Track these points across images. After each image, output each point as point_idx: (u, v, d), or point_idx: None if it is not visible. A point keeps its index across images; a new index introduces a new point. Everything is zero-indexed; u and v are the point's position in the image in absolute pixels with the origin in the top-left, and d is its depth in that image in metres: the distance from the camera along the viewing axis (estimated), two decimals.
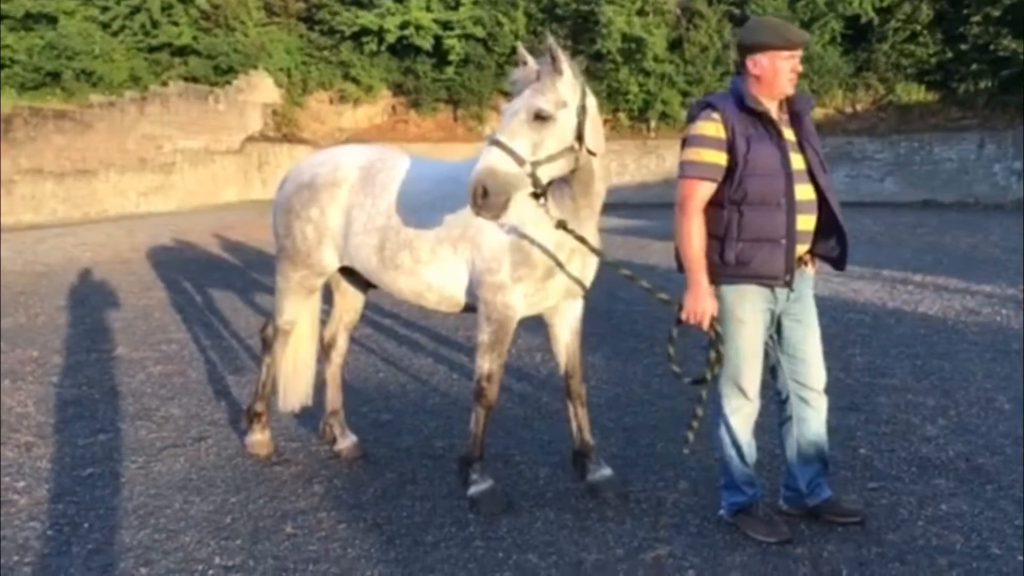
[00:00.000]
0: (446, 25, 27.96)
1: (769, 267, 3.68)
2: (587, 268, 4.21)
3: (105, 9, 28.10)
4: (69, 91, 26.60)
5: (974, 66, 23.64)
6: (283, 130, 28.71)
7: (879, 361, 6.86)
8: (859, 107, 26.40)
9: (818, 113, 23.89)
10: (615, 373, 6.62)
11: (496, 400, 4.27)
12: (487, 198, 3.54)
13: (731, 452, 3.93)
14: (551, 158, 3.67)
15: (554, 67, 3.69)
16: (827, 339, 7.41)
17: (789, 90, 3.73)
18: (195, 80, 27.88)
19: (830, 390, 4.03)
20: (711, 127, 3.68)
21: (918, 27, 24.83)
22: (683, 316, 3.72)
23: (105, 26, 28.03)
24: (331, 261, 4.68)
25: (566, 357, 4.41)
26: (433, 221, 4.24)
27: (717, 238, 3.71)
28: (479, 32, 28.30)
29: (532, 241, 4.01)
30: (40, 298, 10.28)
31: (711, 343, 3.76)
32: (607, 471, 4.39)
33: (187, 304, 9.89)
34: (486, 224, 4.01)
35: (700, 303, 3.67)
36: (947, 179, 23.47)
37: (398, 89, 29.83)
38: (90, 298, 10.38)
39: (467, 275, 4.22)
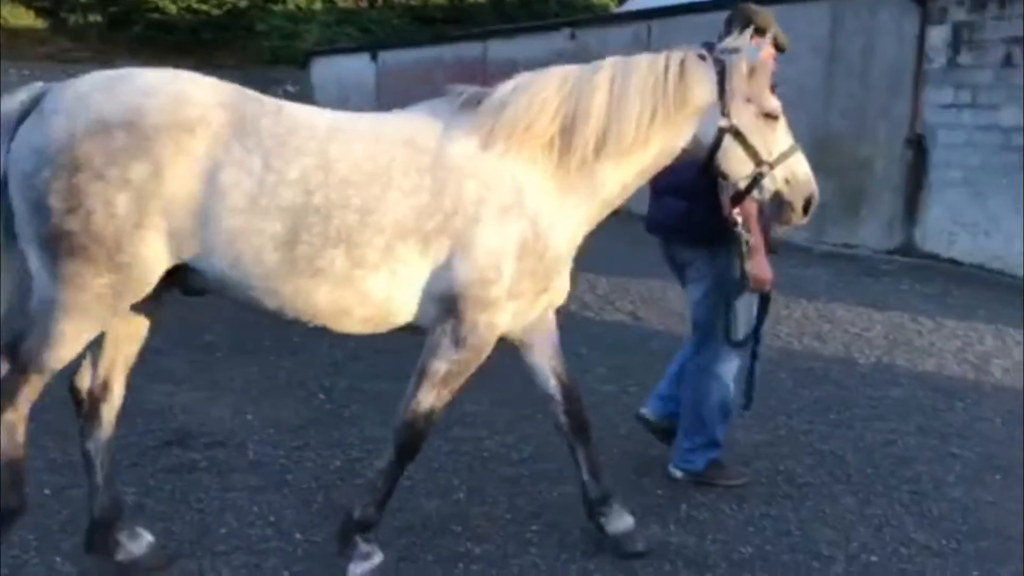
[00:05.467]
0: None
1: None
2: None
3: None
4: None
5: None
6: None
7: None
8: None
9: None
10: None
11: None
12: None
13: (718, 411, 3.97)
14: None
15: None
16: None
17: None
18: None
19: None
20: None
21: None
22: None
23: None
24: (157, 257, 2.71)
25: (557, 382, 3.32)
26: (394, 203, 2.80)
27: None
28: None
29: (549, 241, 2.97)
30: None
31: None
32: (630, 518, 3.49)
33: None
34: (483, 214, 2.84)
35: None
36: None
37: None
38: None
39: (430, 284, 2.89)
